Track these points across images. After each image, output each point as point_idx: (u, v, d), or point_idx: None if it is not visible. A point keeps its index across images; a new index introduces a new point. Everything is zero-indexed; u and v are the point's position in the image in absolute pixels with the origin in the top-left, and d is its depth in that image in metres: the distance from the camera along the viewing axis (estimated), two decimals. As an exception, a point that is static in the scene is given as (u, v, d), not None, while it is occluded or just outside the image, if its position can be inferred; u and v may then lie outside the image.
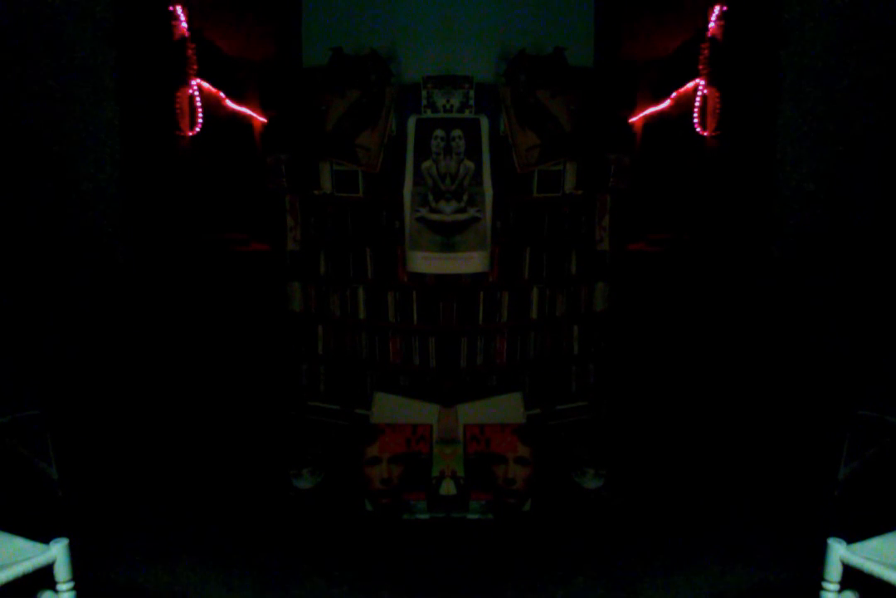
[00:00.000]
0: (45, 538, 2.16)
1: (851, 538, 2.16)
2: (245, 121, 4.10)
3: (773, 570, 2.81)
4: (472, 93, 3.33)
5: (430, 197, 3.33)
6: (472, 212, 3.34)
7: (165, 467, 3.66)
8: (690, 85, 3.88)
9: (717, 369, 3.97)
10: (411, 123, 3.34)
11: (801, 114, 3.67)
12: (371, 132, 3.41)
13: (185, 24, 3.75)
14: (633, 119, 4.10)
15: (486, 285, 3.52)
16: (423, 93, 3.33)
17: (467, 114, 3.34)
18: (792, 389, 3.80)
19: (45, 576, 2.13)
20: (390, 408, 3.35)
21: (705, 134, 3.91)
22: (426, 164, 3.32)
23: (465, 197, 3.33)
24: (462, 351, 3.55)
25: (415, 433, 3.27)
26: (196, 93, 3.82)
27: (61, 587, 2.16)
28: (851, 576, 2.14)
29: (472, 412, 3.32)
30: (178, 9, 3.72)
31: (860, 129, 3.64)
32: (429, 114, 3.34)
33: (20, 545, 2.14)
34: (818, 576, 2.19)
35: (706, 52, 3.79)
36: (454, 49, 3.63)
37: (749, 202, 3.90)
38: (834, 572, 2.15)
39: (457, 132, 3.31)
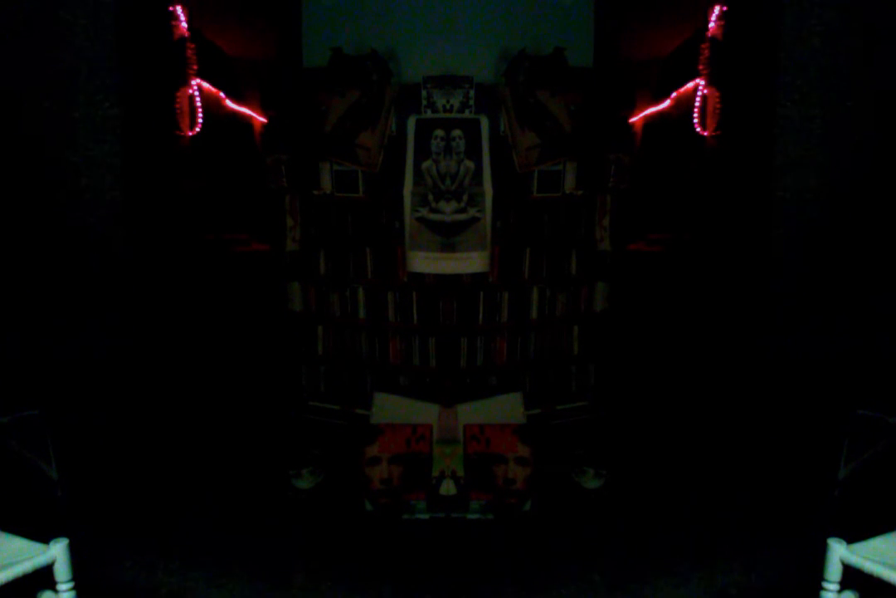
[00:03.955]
0: (45, 538, 2.16)
1: (851, 538, 2.16)
2: (245, 121, 4.09)
3: (773, 570, 2.81)
4: (472, 93, 3.33)
5: (430, 197, 3.33)
6: (472, 212, 3.34)
7: (165, 467, 3.66)
8: (690, 85, 3.88)
9: (717, 368, 3.97)
10: (411, 123, 3.34)
11: (801, 114, 3.67)
12: (371, 132, 3.41)
13: (185, 24, 3.75)
14: (633, 119, 4.09)
15: (486, 285, 3.52)
16: (423, 93, 3.33)
17: (467, 114, 3.34)
18: (792, 388, 3.80)
19: (45, 576, 2.13)
20: (390, 408, 3.36)
21: (705, 134, 3.90)
22: (426, 164, 3.32)
23: (465, 197, 3.33)
24: (462, 351, 3.55)
25: (415, 433, 3.27)
26: (196, 93, 3.82)
27: (61, 587, 2.16)
28: (851, 576, 2.14)
29: (472, 412, 3.32)
30: (178, 9, 3.72)
31: (860, 127, 3.64)
32: (429, 114, 3.34)
33: (20, 545, 2.14)
34: (818, 576, 2.19)
35: (706, 52, 3.79)
36: (454, 49, 3.63)
37: (749, 202, 3.90)
38: (834, 572, 2.15)
39: (457, 132, 3.31)
